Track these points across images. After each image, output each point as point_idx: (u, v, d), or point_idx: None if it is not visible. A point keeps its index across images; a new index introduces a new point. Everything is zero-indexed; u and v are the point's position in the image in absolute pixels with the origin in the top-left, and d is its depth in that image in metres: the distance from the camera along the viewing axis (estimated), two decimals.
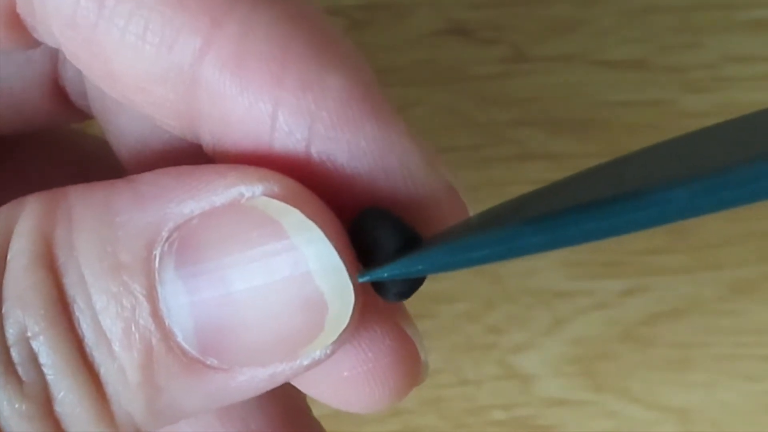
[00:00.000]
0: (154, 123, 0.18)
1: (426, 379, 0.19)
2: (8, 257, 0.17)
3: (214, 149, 0.18)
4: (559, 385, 0.33)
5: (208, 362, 0.17)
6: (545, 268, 0.33)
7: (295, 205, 0.16)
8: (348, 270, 0.16)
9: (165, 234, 0.16)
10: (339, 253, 0.16)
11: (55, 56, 0.21)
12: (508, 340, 0.33)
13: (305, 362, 0.17)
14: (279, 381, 0.17)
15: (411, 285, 0.17)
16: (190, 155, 0.18)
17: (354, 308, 0.17)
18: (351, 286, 0.16)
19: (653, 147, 0.16)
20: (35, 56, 0.21)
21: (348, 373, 0.18)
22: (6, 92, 0.21)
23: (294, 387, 0.19)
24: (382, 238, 0.17)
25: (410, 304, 0.18)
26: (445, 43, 0.33)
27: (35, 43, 0.19)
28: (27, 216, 0.17)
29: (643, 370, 0.33)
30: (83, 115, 0.22)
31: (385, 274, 0.16)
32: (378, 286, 0.17)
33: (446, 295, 0.33)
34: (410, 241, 0.17)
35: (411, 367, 0.18)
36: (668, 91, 0.33)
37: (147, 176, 0.17)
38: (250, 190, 0.17)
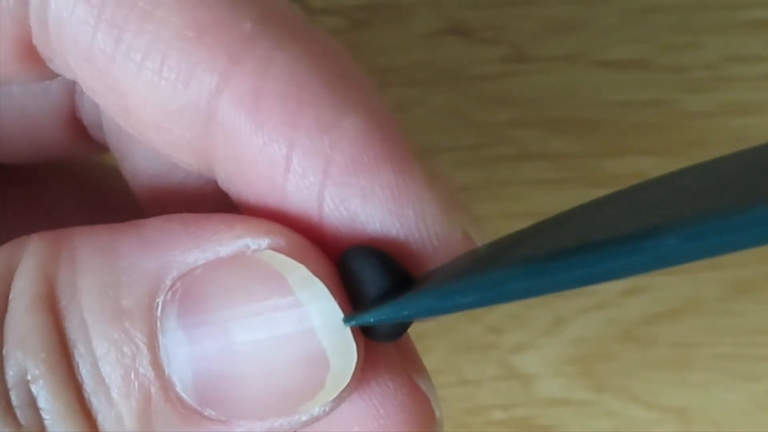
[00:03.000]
0: (169, 159, 0.18)
1: None
2: (10, 297, 0.16)
3: (229, 187, 0.17)
4: (559, 385, 0.33)
5: (206, 413, 0.16)
6: None
7: (301, 261, 0.16)
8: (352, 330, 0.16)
9: (168, 282, 0.16)
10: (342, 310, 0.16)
11: (72, 87, 0.21)
12: (508, 340, 0.33)
13: (304, 418, 0.17)
14: None
15: (400, 327, 0.17)
16: (206, 191, 0.18)
17: (356, 367, 0.16)
18: (354, 345, 0.16)
19: (653, 181, 0.15)
20: (52, 87, 0.21)
21: (359, 429, 0.18)
22: (22, 122, 0.21)
23: None
24: (369, 280, 0.16)
25: None
26: (445, 43, 0.33)
27: (51, 75, 0.18)
28: (30, 256, 0.17)
29: (643, 370, 0.33)
30: (100, 147, 0.22)
31: (371, 320, 0.16)
32: (366, 328, 0.17)
33: None
34: (400, 281, 0.16)
35: (424, 425, 0.18)
36: (669, 91, 0.33)
37: (153, 222, 0.17)
38: (256, 242, 0.16)
